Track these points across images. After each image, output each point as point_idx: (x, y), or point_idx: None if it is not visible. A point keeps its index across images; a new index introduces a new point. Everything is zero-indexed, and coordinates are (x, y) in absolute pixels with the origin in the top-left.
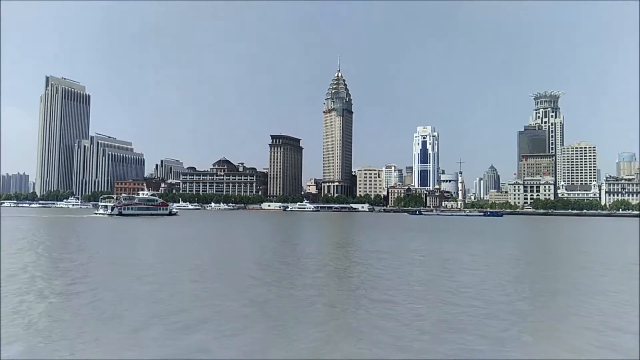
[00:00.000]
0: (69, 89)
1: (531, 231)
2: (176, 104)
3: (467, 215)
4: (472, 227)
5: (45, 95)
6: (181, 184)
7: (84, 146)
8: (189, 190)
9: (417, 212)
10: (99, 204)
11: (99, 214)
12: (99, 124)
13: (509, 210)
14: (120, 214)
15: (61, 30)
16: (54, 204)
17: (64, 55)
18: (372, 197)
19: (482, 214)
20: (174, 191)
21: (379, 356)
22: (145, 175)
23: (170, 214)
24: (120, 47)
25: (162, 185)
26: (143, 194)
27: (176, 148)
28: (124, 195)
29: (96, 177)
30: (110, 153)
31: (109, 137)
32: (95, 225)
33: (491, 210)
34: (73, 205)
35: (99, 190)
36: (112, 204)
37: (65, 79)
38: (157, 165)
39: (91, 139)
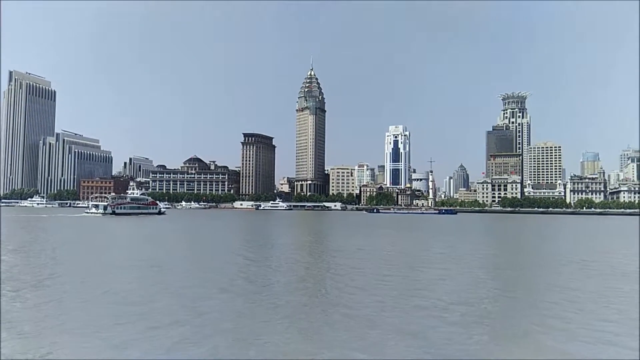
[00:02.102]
0: (34, 84)
1: (467, 227)
2: (146, 101)
3: (423, 213)
4: (414, 224)
5: (9, 91)
6: (151, 182)
7: (49, 143)
8: (159, 189)
9: (375, 210)
10: (90, 203)
11: (91, 212)
12: (65, 120)
13: (477, 208)
14: (113, 212)
15: (26, 24)
16: (17, 202)
17: (29, 49)
18: (345, 195)
19: (437, 212)
20: (143, 190)
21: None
22: (113, 174)
23: (160, 212)
24: (88, 43)
25: (131, 183)
26: (132, 193)
27: (146, 146)
28: (113, 194)
29: (62, 176)
30: (76, 151)
31: (76, 134)
32: (104, 226)
33: (446, 208)
34: (38, 204)
35: (65, 188)
36: (106, 203)
37: (29, 74)
38: (125, 163)
39: (57, 136)
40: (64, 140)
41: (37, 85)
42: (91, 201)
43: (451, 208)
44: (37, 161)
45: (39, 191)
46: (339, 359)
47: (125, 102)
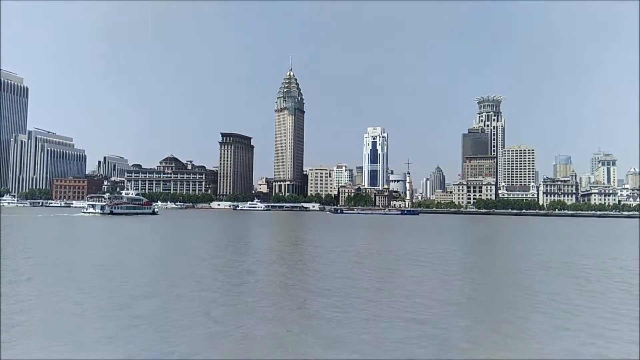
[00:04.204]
0: (6, 80)
1: (419, 226)
2: (122, 99)
3: (386, 214)
4: (363, 224)
5: None
6: (125, 181)
7: (21, 141)
8: (134, 189)
9: (339, 211)
10: (86, 203)
11: (89, 212)
12: (38, 118)
13: (453, 209)
14: (111, 212)
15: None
16: None
17: (1, 45)
18: (323, 196)
19: (399, 212)
20: (117, 189)
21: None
22: (86, 173)
23: (153, 212)
24: (60, 40)
25: (105, 183)
26: (126, 193)
27: (121, 145)
28: (108, 194)
29: (34, 174)
30: (49, 149)
31: (48, 132)
32: (120, 227)
33: (408, 209)
34: (9, 203)
35: (37, 187)
36: (104, 203)
37: (1, 69)
38: (99, 162)
39: (29, 133)
40: (36, 138)
41: (9, 81)
42: (87, 201)
43: (413, 209)
44: (8, 159)
45: (10, 190)
46: (338, 359)
47: (100, 101)
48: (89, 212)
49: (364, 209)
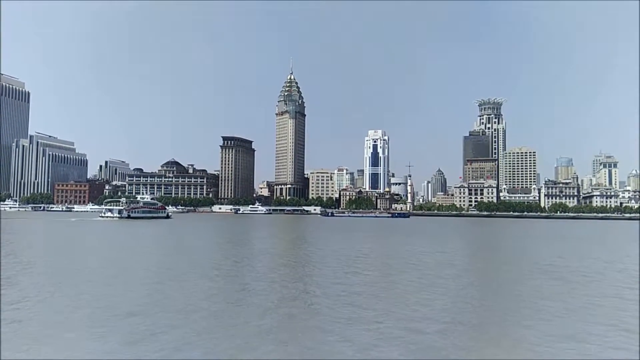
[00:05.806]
0: (7, 85)
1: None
2: (123, 103)
3: (376, 217)
4: (352, 227)
5: None
6: (127, 185)
7: (23, 146)
8: (136, 193)
9: (330, 214)
10: (104, 207)
11: (107, 216)
12: (39, 122)
13: (454, 212)
14: (129, 216)
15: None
16: None
17: (2, 50)
18: (325, 199)
19: (390, 215)
20: (119, 193)
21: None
22: (88, 177)
23: (167, 216)
24: (65, 44)
25: (107, 187)
26: (142, 197)
27: (122, 149)
28: (124, 198)
29: (35, 179)
30: (50, 153)
31: (50, 136)
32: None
33: (399, 212)
34: (10, 207)
35: (38, 192)
36: (122, 207)
37: (2, 74)
38: (101, 167)
39: (30, 138)
40: (37, 142)
41: (11, 86)
42: (105, 206)
43: (404, 212)
44: (10, 164)
45: (12, 195)
46: (338, 358)
47: (101, 105)
48: (107, 216)
49: (355, 212)
